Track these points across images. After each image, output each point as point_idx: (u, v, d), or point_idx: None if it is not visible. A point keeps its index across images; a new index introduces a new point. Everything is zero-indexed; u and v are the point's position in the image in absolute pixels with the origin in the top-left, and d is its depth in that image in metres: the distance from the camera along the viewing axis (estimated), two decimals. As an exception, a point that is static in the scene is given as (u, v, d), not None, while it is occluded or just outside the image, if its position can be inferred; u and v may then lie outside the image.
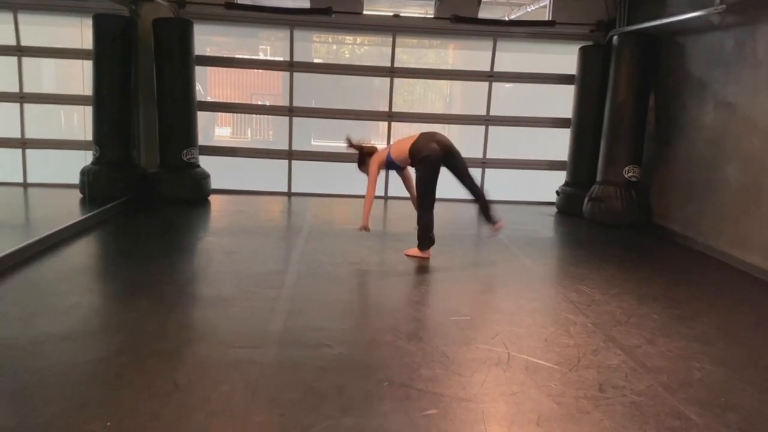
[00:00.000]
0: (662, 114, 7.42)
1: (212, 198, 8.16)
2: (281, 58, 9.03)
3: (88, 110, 7.70)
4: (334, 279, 4.85)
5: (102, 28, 7.48)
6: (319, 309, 4.13)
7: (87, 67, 7.73)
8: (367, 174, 5.64)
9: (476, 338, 3.66)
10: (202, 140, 8.25)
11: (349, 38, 10.11)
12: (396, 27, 8.49)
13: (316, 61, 9.66)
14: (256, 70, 9.79)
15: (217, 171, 8.31)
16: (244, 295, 4.33)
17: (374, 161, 5.62)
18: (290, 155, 8.75)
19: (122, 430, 2.52)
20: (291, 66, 8.54)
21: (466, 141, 9.63)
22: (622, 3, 7.98)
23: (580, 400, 2.95)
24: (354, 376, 3.10)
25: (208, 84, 9.90)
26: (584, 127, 8.21)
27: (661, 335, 3.88)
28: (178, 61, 7.71)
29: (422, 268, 5.26)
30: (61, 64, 8.93)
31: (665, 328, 4.02)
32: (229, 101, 10.10)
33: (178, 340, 3.50)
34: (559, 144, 8.71)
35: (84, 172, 7.52)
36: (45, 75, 9.02)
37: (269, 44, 10.07)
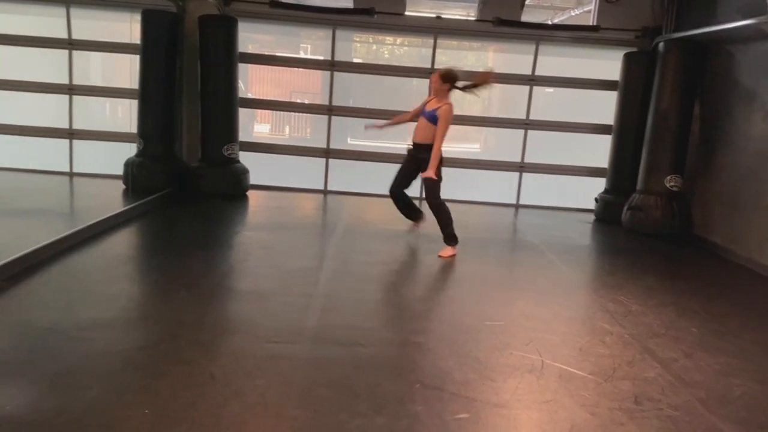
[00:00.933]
0: (707, 124, 7.25)
1: (250, 193, 8.27)
2: (321, 57, 9.11)
3: (133, 103, 7.90)
4: (367, 278, 4.88)
5: (150, 23, 7.66)
6: (353, 307, 4.16)
7: (135, 61, 7.92)
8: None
9: (510, 344, 3.64)
10: (241, 136, 8.37)
11: (389, 38, 10.13)
12: (438, 29, 8.49)
13: (355, 60, 9.70)
14: (295, 69, 9.87)
15: (255, 167, 8.42)
16: (280, 290, 4.39)
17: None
18: (327, 153, 8.82)
19: (160, 417, 2.58)
20: (332, 65, 8.61)
21: (504, 144, 9.58)
22: (669, 9, 7.82)
23: (614, 411, 2.91)
24: (386, 375, 3.12)
25: (249, 81, 10.02)
26: (626, 134, 8.08)
27: (700, 349, 3.79)
28: (222, 58, 7.85)
29: (457, 271, 5.25)
30: (108, 57, 9.16)
31: (704, 342, 3.94)
32: (269, 98, 10.20)
33: (215, 332, 3.57)
34: (598, 150, 8.58)
35: (128, 164, 7.71)
36: (93, 68, 9.27)
37: (309, 43, 10.15)
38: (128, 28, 8.12)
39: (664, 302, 4.72)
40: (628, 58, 8.08)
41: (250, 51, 9.00)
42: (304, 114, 10.35)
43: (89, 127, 8.66)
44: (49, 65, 8.54)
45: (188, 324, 3.62)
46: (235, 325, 3.79)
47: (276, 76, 10.69)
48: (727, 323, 4.36)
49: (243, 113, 8.57)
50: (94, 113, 9.25)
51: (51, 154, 8.57)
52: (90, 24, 8.55)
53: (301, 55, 10.07)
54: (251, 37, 9.41)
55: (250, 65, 9.43)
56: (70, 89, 8.47)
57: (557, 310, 4.39)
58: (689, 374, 3.41)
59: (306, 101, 10.60)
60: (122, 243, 5.70)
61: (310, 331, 3.64)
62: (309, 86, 10.92)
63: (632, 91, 7.98)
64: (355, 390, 2.93)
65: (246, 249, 5.62)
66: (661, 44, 7.53)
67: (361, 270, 5.06)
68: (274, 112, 10.49)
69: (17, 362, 3.02)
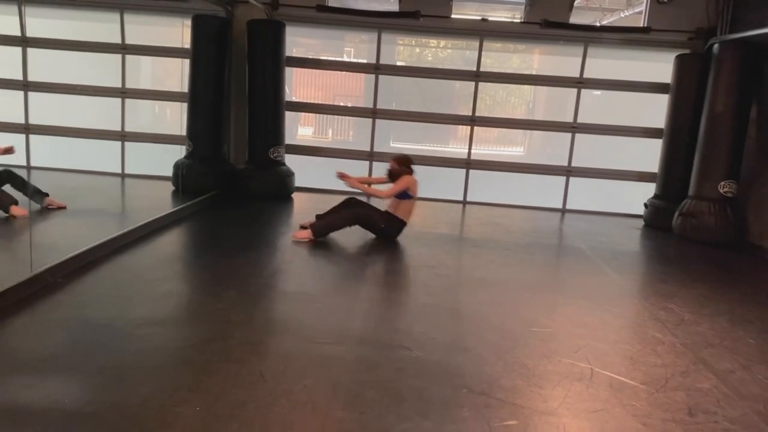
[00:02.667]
0: (765, 128, 7.00)
1: (295, 195, 8.37)
2: (365, 60, 9.15)
3: (183, 106, 8.09)
4: (412, 281, 4.87)
5: (200, 28, 7.83)
6: (398, 310, 4.16)
7: (186, 65, 8.11)
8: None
9: (558, 351, 3.58)
10: (286, 139, 8.47)
11: (432, 41, 10.12)
12: (484, 31, 8.43)
13: (398, 63, 9.72)
14: (338, 72, 9.95)
15: (298, 169, 8.51)
16: (326, 291, 4.43)
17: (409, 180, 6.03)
18: (372, 156, 8.85)
19: (210, 414, 2.63)
20: (377, 69, 8.64)
21: (548, 148, 9.46)
22: (725, 10, 7.59)
23: (667, 422, 2.83)
24: (432, 380, 3.10)
25: (293, 84, 10.15)
26: (677, 138, 7.86)
27: (758, 361, 3.66)
28: (270, 62, 7.97)
29: (502, 276, 5.20)
30: (156, 61, 9.40)
31: (762, 354, 3.80)
32: (314, 102, 10.31)
33: (264, 332, 3.62)
34: (648, 154, 8.37)
35: (177, 166, 7.89)
36: (143, 72, 9.52)
37: (353, 46, 10.22)
38: (180, 33, 8.31)
39: (718, 311, 4.58)
40: (680, 60, 7.87)
41: (294, 54, 9.11)
42: (347, 117, 10.43)
43: (140, 130, 8.91)
44: (98, 69, 8.81)
45: (237, 323, 3.68)
46: (283, 325, 3.84)
47: (319, 79, 10.79)
48: (785, 335, 4.20)
49: (287, 116, 8.68)
50: (144, 115, 9.51)
51: (104, 155, 8.83)
52: (143, 29, 8.80)
53: (344, 58, 10.14)
54: (296, 41, 9.53)
55: (294, 69, 9.56)
56: (123, 93, 8.72)
57: (606, 317, 4.30)
58: (747, 387, 3.29)
59: (349, 104, 10.67)
60: (172, 242, 5.83)
61: (356, 333, 3.66)
62: (352, 89, 11.00)
63: (684, 94, 7.77)
64: (401, 393, 2.93)
65: (292, 250, 5.67)
66: (716, 46, 7.31)
67: (405, 273, 5.06)
68: (317, 114, 10.60)
69: (74, 357, 3.12)
